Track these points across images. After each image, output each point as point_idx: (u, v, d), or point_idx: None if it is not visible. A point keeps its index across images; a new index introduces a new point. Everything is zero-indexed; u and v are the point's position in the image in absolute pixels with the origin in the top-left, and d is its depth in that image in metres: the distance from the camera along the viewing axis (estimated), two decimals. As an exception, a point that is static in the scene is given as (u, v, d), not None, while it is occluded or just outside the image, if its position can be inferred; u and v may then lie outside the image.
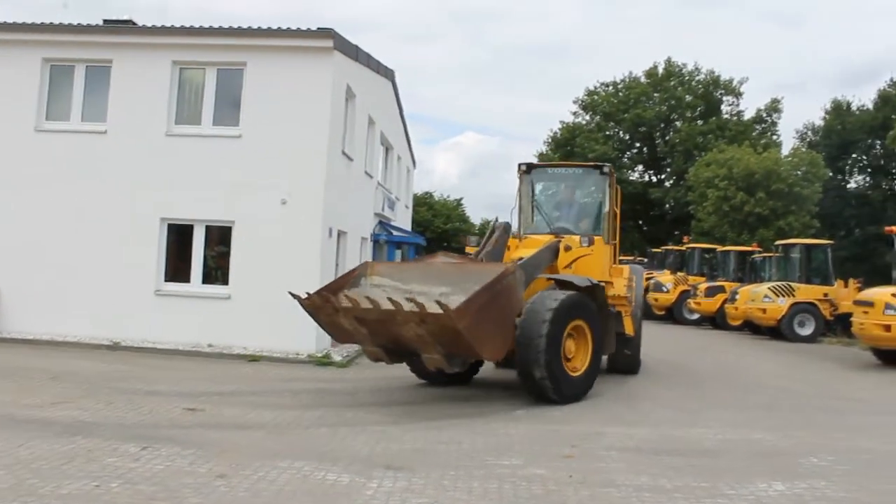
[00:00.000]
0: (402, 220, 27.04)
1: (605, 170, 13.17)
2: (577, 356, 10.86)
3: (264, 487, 6.15)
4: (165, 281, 15.20)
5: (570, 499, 6.21)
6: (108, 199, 15.09)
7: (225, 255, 15.15)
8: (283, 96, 14.97)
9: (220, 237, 15.29)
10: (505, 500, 6.11)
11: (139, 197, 15.03)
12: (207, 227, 15.26)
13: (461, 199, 41.73)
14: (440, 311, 8.93)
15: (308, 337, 14.50)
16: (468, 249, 14.39)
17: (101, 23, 16.64)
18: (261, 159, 14.88)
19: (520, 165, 13.38)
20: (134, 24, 16.53)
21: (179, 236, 15.32)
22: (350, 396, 10.89)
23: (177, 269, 15.29)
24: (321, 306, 10.35)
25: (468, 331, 9.10)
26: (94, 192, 15.14)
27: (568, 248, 12.32)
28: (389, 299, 9.34)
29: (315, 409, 9.73)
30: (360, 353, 15.68)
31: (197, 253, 15.19)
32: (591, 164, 14.16)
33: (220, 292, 14.93)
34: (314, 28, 15.15)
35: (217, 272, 15.31)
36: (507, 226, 12.51)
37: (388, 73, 22.73)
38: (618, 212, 13.52)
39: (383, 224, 22.57)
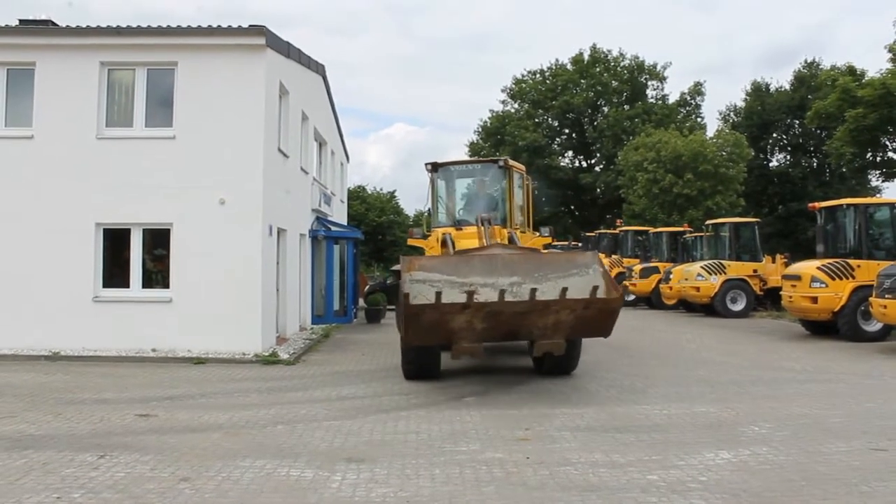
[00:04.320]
0: (339, 214, 26.95)
1: (501, 163, 13.59)
2: None
3: (230, 487, 6.19)
4: (103, 287, 14.89)
5: (530, 479, 6.42)
6: (40, 205, 14.70)
7: (164, 258, 14.92)
8: (216, 95, 14.80)
9: (158, 240, 15.05)
10: (468, 485, 6.27)
11: (72, 202, 14.68)
12: (145, 231, 14.98)
13: (394, 191, 41.65)
14: (608, 295, 9.74)
15: (253, 336, 14.46)
16: (411, 242, 14.53)
17: (17, 23, 16.15)
18: (196, 160, 14.70)
19: (426, 165, 13.90)
20: (54, 24, 16.08)
21: (116, 241, 15.02)
22: (301, 393, 10.91)
23: (115, 274, 15.00)
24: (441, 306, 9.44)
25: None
26: (25, 199, 14.73)
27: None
28: (533, 290, 9.50)
29: (268, 407, 9.74)
30: (307, 349, 15.76)
31: (135, 257, 14.91)
32: (490, 158, 14.75)
33: (162, 296, 14.71)
34: (245, 25, 14.99)
35: (157, 276, 15.07)
36: (491, 218, 12.63)
37: (318, 69, 22.62)
38: (518, 200, 13.83)
39: (321, 220, 22.49)
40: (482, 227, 12.07)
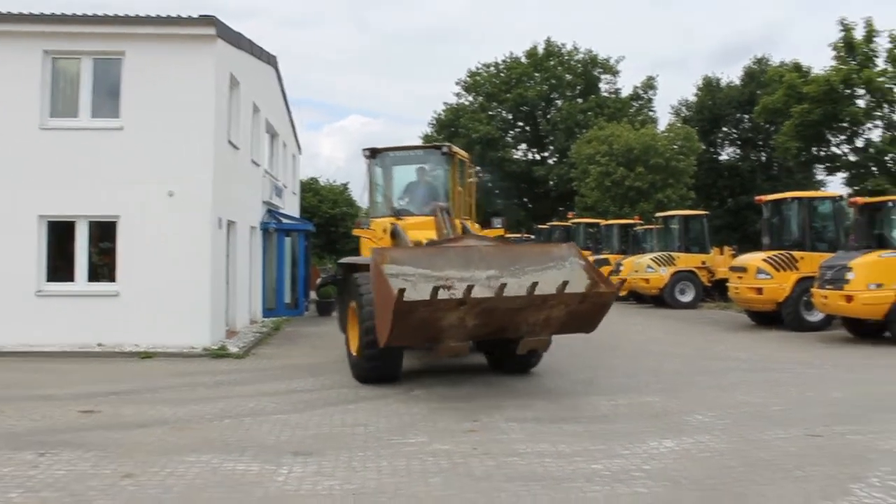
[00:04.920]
0: (290, 207, 26.74)
1: (445, 150, 12.86)
2: None
3: (174, 483, 6.13)
4: (47, 281, 14.58)
5: (476, 469, 6.47)
6: (-20, 198, 14.34)
7: (111, 252, 14.66)
8: (165, 86, 14.55)
9: (105, 233, 14.77)
10: (414, 476, 6.30)
11: (13, 194, 14.31)
12: (91, 223, 14.70)
13: (347, 183, 41.43)
14: (607, 290, 9.56)
15: (202, 330, 14.30)
16: (356, 233, 14.29)
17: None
18: (144, 151, 14.44)
19: (364, 150, 13.24)
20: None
21: (61, 234, 14.70)
22: (250, 387, 10.82)
23: (60, 268, 14.69)
24: (436, 303, 8.77)
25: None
26: (-36, 191, 14.36)
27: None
28: (534, 283, 8.99)
29: (215, 401, 9.66)
30: (257, 343, 15.64)
31: (80, 250, 14.61)
32: (432, 144, 14.03)
33: (108, 290, 14.45)
34: (195, 15, 14.76)
35: (103, 269, 14.80)
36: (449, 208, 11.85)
37: (271, 60, 22.40)
38: (461, 190, 13.07)
39: (272, 212, 22.30)
40: (442, 217, 11.29)
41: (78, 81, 14.81)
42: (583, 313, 9.59)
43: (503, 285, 8.93)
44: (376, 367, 10.76)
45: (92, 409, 9.14)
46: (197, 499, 5.80)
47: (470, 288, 8.72)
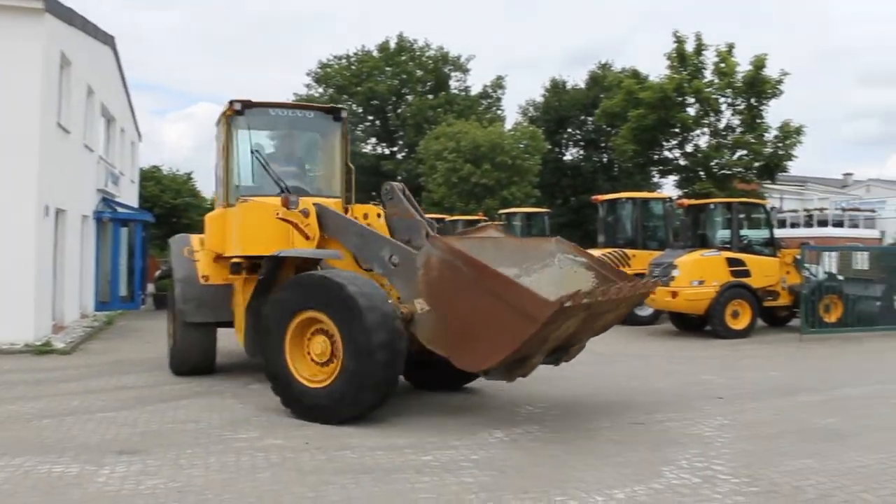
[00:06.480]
0: (128, 195, 25.57)
1: (342, 115, 10.75)
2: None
3: (-23, 488, 5.76)
4: None
5: (306, 464, 6.45)
6: None
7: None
8: (-16, 63, 13.58)
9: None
10: (242, 472, 6.21)
11: None
12: None
13: (191, 172, 39.98)
14: (645, 288, 9.02)
15: (24, 325, 13.45)
16: (285, 216, 10.80)
17: None
18: (-39, 133, 13.42)
19: (231, 103, 10.13)
20: None
21: None
22: (76, 384, 10.29)
23: None
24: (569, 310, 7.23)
25: None
26: None
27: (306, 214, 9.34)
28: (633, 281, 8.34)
29: (35, 400, 9.12)
30: (87, 338, 14.87)
31: None
32: (324, 106, 11.42)
33: (-83, 281, 13.34)
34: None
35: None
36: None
37: (108, 40, 21.31)
38: (352, 168, 11.03)
39: (107, 201, 21.24)
40: (405, 200, 9.55)
41: None
42: (619, 316, 8.93)
43: (614, 285, 7.92)
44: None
45: None
46: (4, 504, 5.48)
47: (599, 290, 7.61)
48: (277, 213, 9.33)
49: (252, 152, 10.20)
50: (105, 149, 22.02)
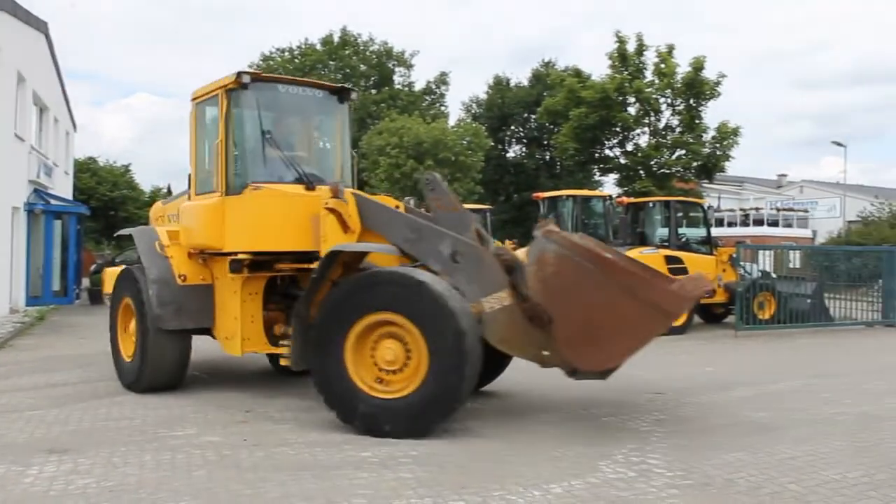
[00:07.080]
0: (62, 187, 24.92)
1: (354, 95, 9.83)
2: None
3: None
4: None
5: (244, 461, 6.36)
6: None
7: None
8: None
9: None
10: (178, 470, 6.09)
11: None
12: None
13: (129, 164, 39.17)
14: None
15: (-49, 319, 13.03)
16: (333, 204, 8.18)
17: None
18: None
19: (239, 75, 8.68)
20: None
21: None
22: (4, 382, 9.99)
23: None
24: None
25: None
26: None
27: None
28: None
29: (-39, 398, 8.83)
30: (16, 334, 14.44)
31: None
32: (331, 85, 9.97)
33: None
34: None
35: None
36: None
37: (41, 26, 20.71)
38: (355, 155, 10.30)
39: (39, 192, 20.66)
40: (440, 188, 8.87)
41: None
42: None
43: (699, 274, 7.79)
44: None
45: None
46: (-75, 505, 5.28)
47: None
48: (326, 203, 8.14)
49: (263, 133, 8.90)
50: (37, 139, 21.42)
